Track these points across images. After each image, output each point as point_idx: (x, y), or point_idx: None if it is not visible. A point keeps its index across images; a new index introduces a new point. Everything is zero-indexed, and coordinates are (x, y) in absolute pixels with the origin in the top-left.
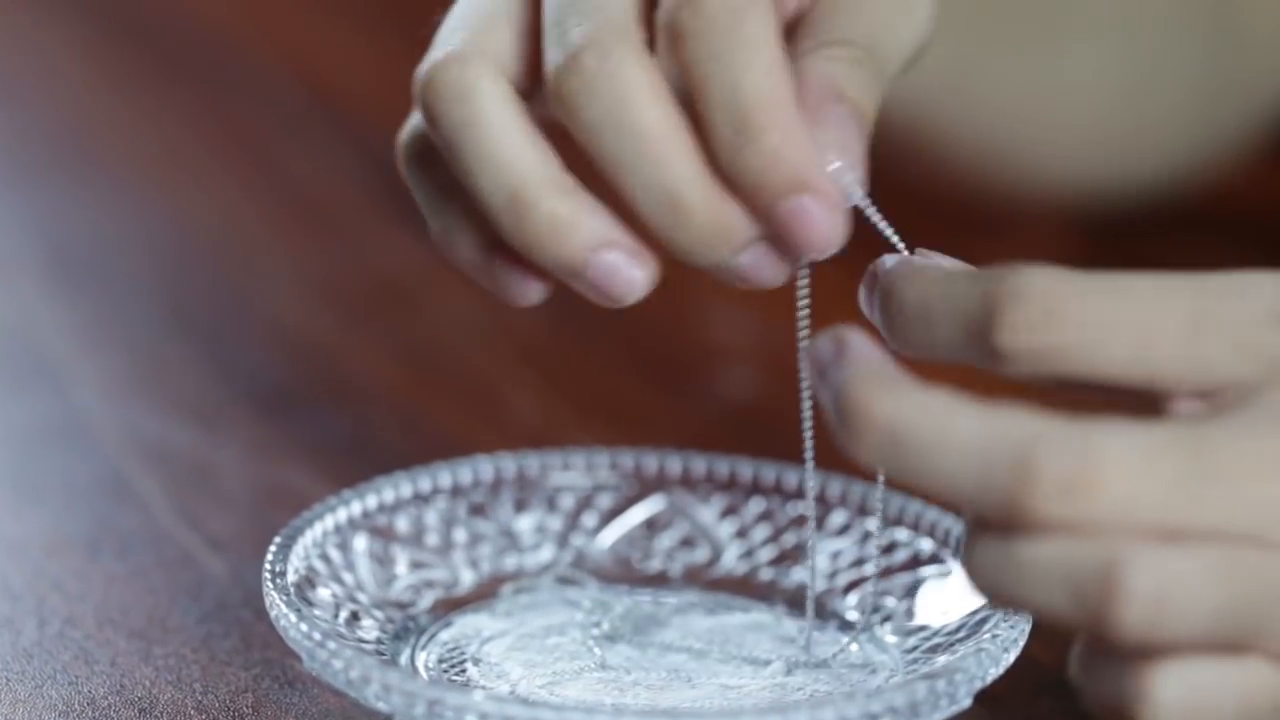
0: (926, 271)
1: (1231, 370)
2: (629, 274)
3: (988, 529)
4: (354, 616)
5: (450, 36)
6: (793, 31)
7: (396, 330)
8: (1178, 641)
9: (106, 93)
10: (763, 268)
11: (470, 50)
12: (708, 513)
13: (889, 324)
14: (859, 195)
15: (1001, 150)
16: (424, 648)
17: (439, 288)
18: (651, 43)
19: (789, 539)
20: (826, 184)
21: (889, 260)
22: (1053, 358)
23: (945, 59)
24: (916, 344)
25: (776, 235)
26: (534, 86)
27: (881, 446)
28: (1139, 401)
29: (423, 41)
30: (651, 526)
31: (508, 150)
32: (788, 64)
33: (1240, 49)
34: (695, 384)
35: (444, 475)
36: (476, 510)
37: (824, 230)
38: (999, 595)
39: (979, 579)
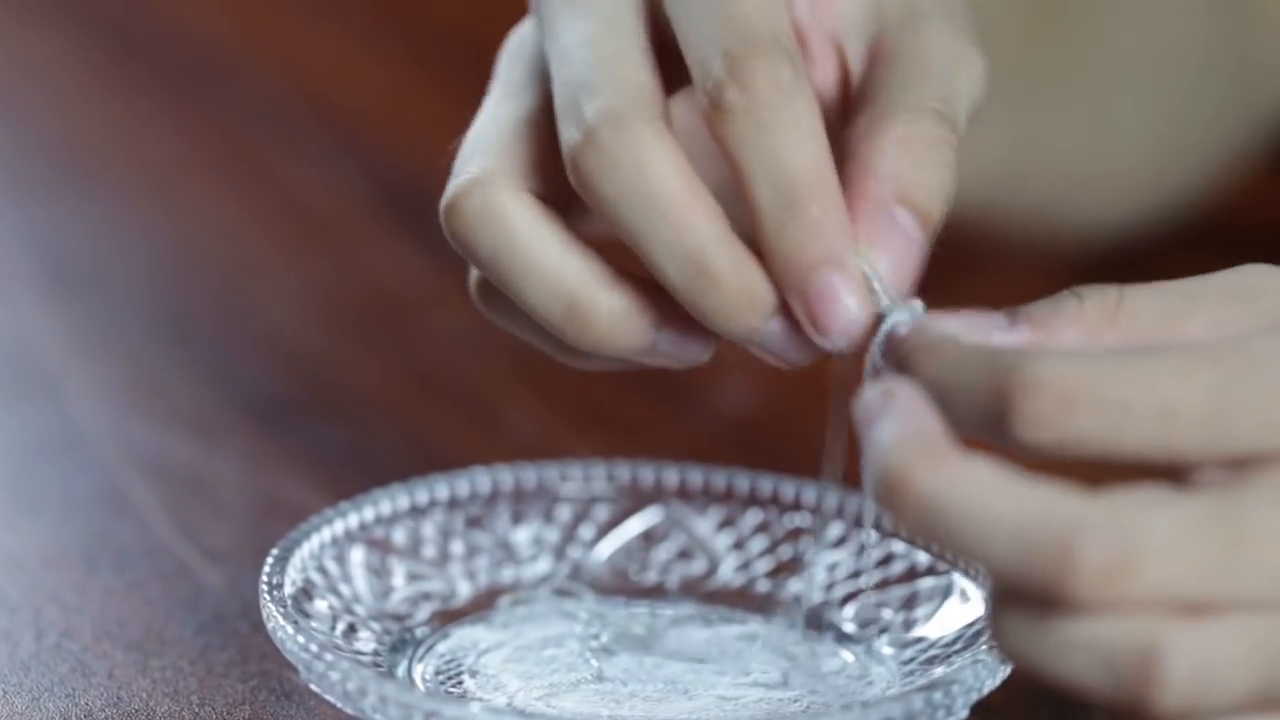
0: (940, 350)
1: (1257, 443)
2: (691, 349)
3: (1020, 599)
4: (351, 628)
5: (468, 161)
6: (855, 95)
7: (394, 343)
8: (1215, 714)
9: (104, 105)
10: (789, 344)
11: (489, 171)
12: (704, 525)
13: None
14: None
15: (1052, 207)
16: (421, 659)
17: (437, 300)
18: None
19: (785, 551)
20: (858, 272)
21: (902, 325)
22: (1074, 444)
23: (993, 127)
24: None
25: (803, 315)
26: (563, 190)
27: (920, 519)
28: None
29: (420, 55)
30: (648, 538)
31: (551, 264)
32: (828, 146)
33: (1260, 70)
34: (692, 396)
35: (441, 488)
36: (473, 522)
37: (846, 315)
38: (1032, 667)
39: (1011, 649)
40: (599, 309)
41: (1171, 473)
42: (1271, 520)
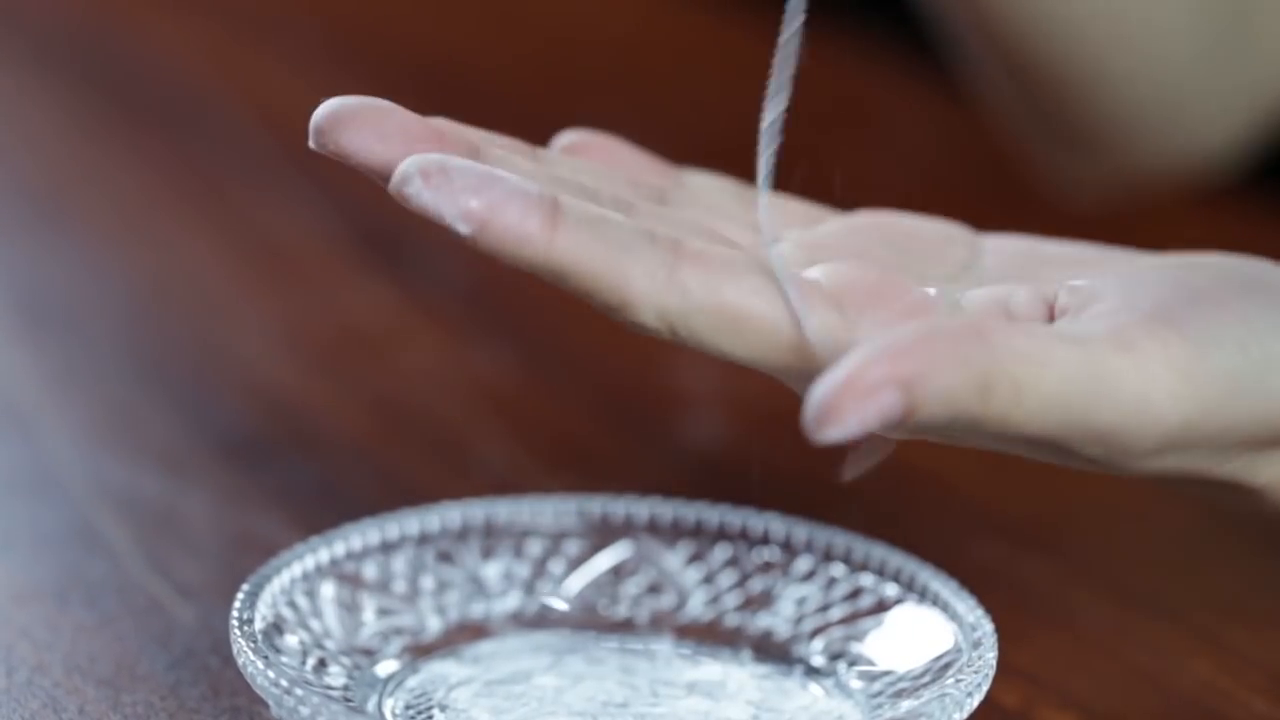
0: None
1: None
2: None
3: None
4: (321, 663)
5: None
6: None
7: (365, 379)
8: None
9: (75, 142)
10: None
11: None
12: (674, 559)
13: None
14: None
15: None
16: (391, 694)
17: (407, 337)
18: None
19: (755, 585)
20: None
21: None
22: None
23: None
24: None
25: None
26: None
27: None
28: None
29: (391, 92)
30: (618, 573)
31: None
32: None
33: None
34: (661, 432)
35: (411, 523)
36: (444, 557)
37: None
38: None
39: None
40: None
41: None
42: None
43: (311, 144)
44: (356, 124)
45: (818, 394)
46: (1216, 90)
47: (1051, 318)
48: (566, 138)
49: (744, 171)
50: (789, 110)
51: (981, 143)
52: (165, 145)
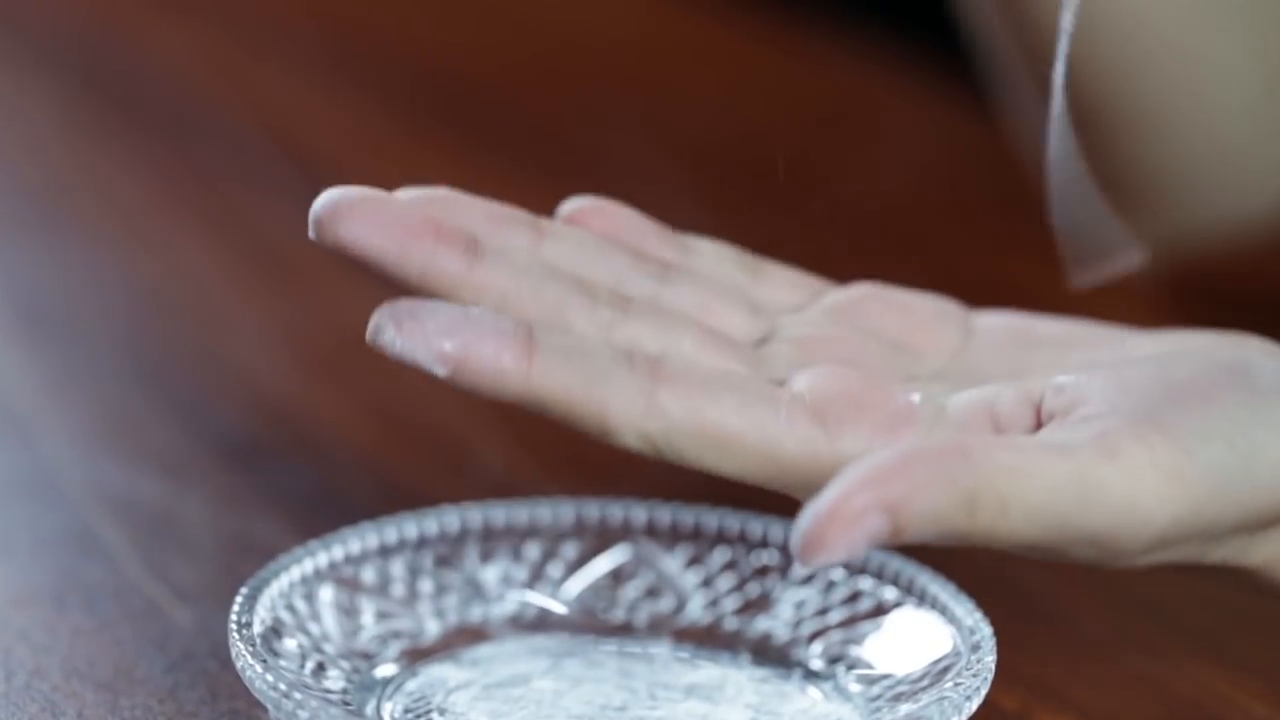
0: None
1: None
2: None
3: None
4: (320, 667)
5: None
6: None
7: (364, 383)
8: None
9: (73, 146)
10: None
11: None
12: (672, 563)
13: None
14: None
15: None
16: (390, 698)
17: None
18: None
19: (753, 588)
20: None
21: None
22: None
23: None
24: None
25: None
26: None
27: None
28: None
29: (390, 97)
30: (617, 576)
31: None
32: None
33: None
34: None
35: (410, 527)
36: (442, 561)
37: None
38: None
39: None
40: None
41: None
42: None
43: (310, 235)
44: (354, 216)
45: (804, 522)
46: (1266, 145)
47: (1038, 420)
48: (572, 205)
49: (747, 173)
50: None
51: (988, 150)
52: (165, 149)
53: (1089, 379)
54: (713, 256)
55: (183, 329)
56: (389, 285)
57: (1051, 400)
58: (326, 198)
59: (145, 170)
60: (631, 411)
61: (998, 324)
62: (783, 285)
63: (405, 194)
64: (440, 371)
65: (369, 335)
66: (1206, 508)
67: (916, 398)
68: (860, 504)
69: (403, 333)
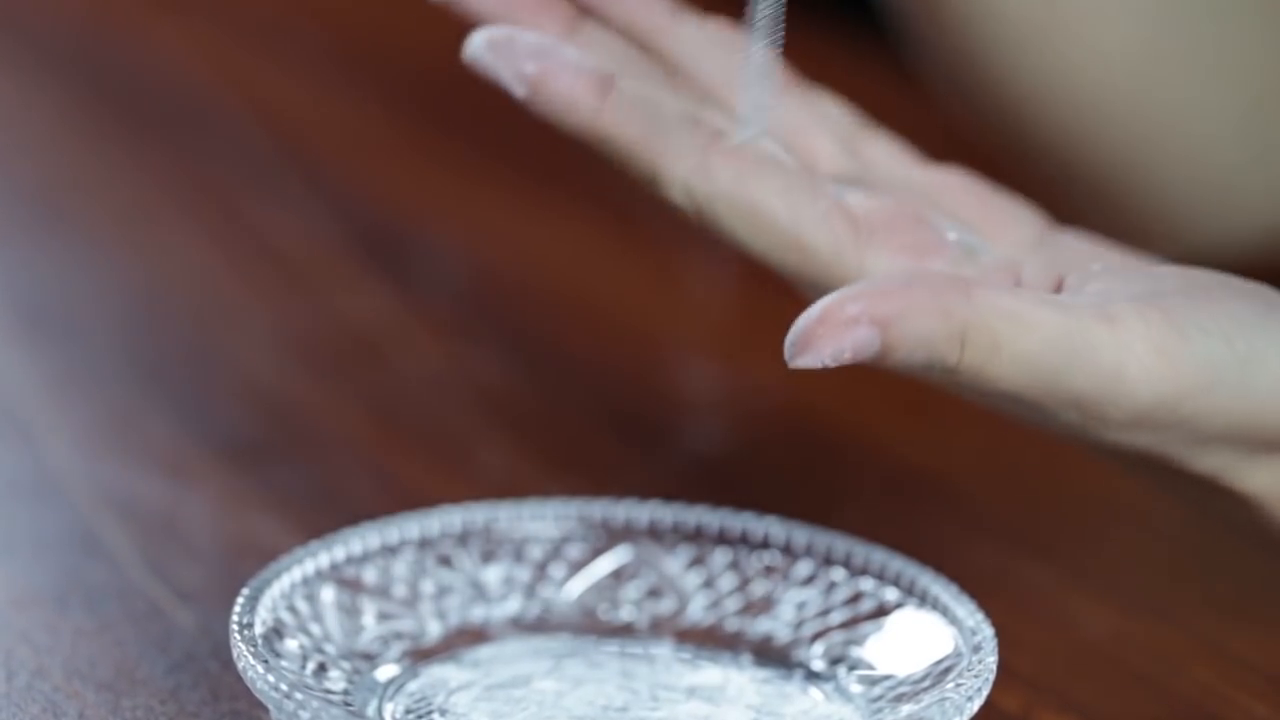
0: None
1: None
2: None
3: None
4: (321, 668)
5: None
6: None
7: (365, 383)
8: None
9: (74, 148)
10: None
11: None
12: (674, 563)
13: None
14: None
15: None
16: (391, 699)
17: (407, 341)
18: None
19: (755, 589)
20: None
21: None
22: None
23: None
24: None
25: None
26: None
27: None
28: None
29: (392, 98)
30: (618, 577)
31: None
32: None
33: None
34: (662, 436)
35: (412, 527)
36: (444, 561)
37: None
38: None
39: None
40: None
41: None
42: None
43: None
44: None
45: (799, 322)
46: (1255, 168)
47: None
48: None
49: None
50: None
51: (988, 149)
52: (165, 150)
53: (1116, 273)
54: (828, 105)
55: (184, 330)
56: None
57: (1073, 278)
58: None
59: (146, 172)
60: (681, 167)
61: (1073, 242)
62: (884, 149)
63: None
64: (519, 91)
65: (464, 50)
66: (1193, 397)
67: (954, 235)
68: (852, 311)
69: (494, 49)
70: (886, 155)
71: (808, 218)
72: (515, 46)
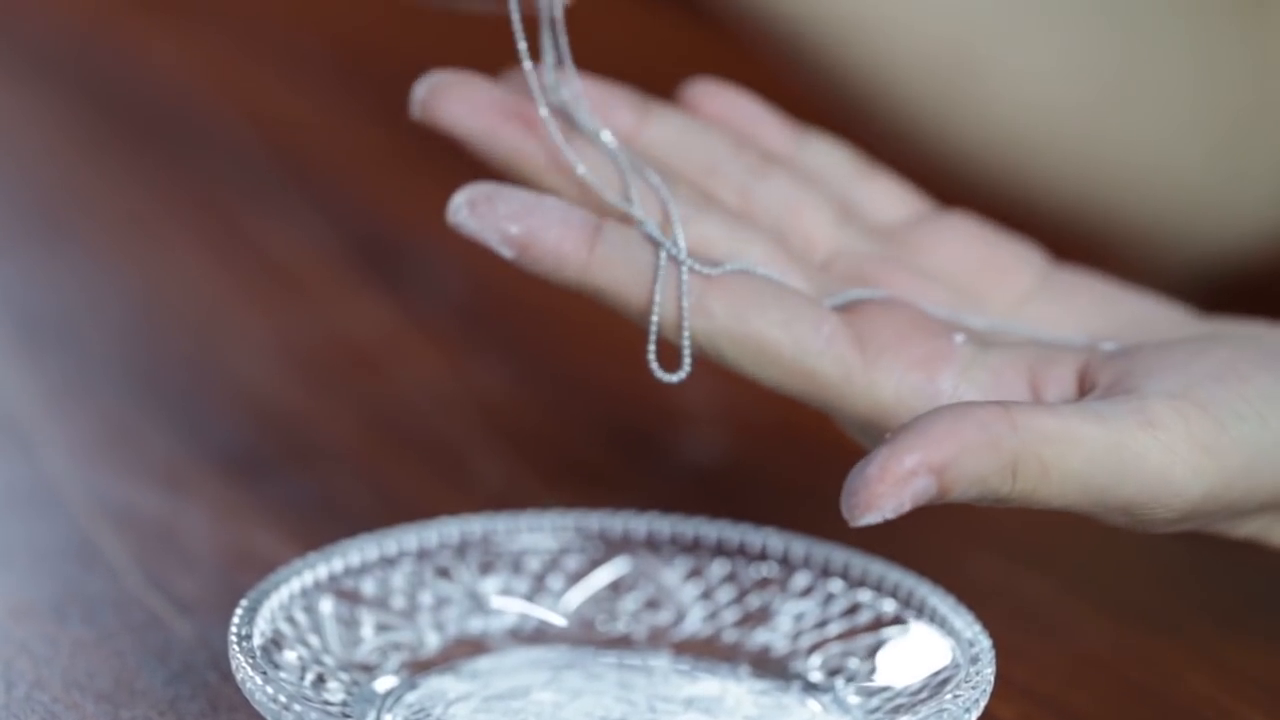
0: None
1: None
2: None
3: None
4: (320, 679)
5: None
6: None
7: (363, 395)
8: None
9: (72, 159)
10: None
11: None
12: (672, 575)
13: None
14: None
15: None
16: (390, 710)
17: (405, 352)
18: None
19: (753, 601)
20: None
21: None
22: None
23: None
24: None
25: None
26: None
27: None
28: None
29: (390, 110)
30: (616, 588)
31: None
32: None
33: None
34: (660, 448)
35: (410, 538)
36: (442, 573)
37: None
38: None
39: None
40: None
41: None
42: None
43: (412, 114)
44: (451, 98)
45: (853, 481)
46: (1236, 184)
47: (1080, 385)
48: (696, 86)
49: None
50: None
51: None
52: (163, 161)
53: (1135, 352)
54: (824, 154)
55: (182, 341)
56: (478, 168)
57: (1096, 369)
58: (428, 79)
59: (144, 182)
60: (676, 311)
61: (1075, 282)
62: (884, 195)
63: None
64: (506, 254)
65: (447, 214)
66: (1238, 482)
67: (960, 339)
68: (909, 465)
69: (475, 214)
70: (886, 198)
71: (812, 348)
72: (496, 207)
